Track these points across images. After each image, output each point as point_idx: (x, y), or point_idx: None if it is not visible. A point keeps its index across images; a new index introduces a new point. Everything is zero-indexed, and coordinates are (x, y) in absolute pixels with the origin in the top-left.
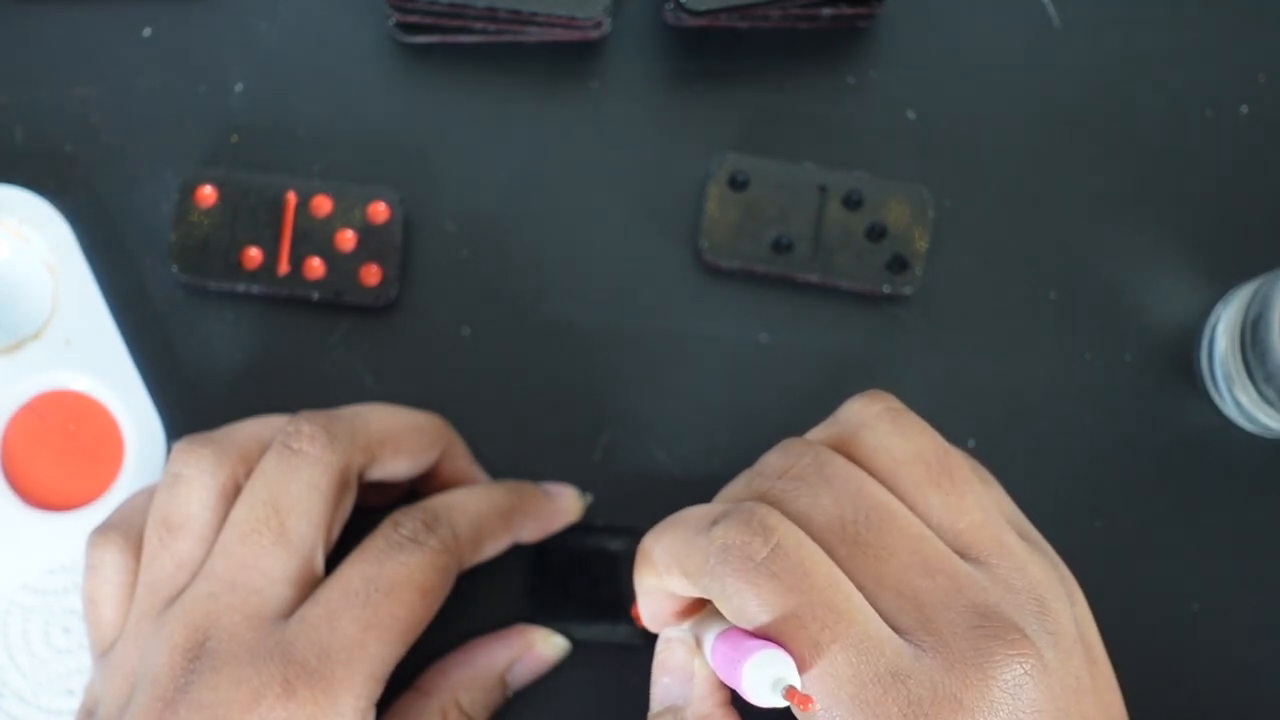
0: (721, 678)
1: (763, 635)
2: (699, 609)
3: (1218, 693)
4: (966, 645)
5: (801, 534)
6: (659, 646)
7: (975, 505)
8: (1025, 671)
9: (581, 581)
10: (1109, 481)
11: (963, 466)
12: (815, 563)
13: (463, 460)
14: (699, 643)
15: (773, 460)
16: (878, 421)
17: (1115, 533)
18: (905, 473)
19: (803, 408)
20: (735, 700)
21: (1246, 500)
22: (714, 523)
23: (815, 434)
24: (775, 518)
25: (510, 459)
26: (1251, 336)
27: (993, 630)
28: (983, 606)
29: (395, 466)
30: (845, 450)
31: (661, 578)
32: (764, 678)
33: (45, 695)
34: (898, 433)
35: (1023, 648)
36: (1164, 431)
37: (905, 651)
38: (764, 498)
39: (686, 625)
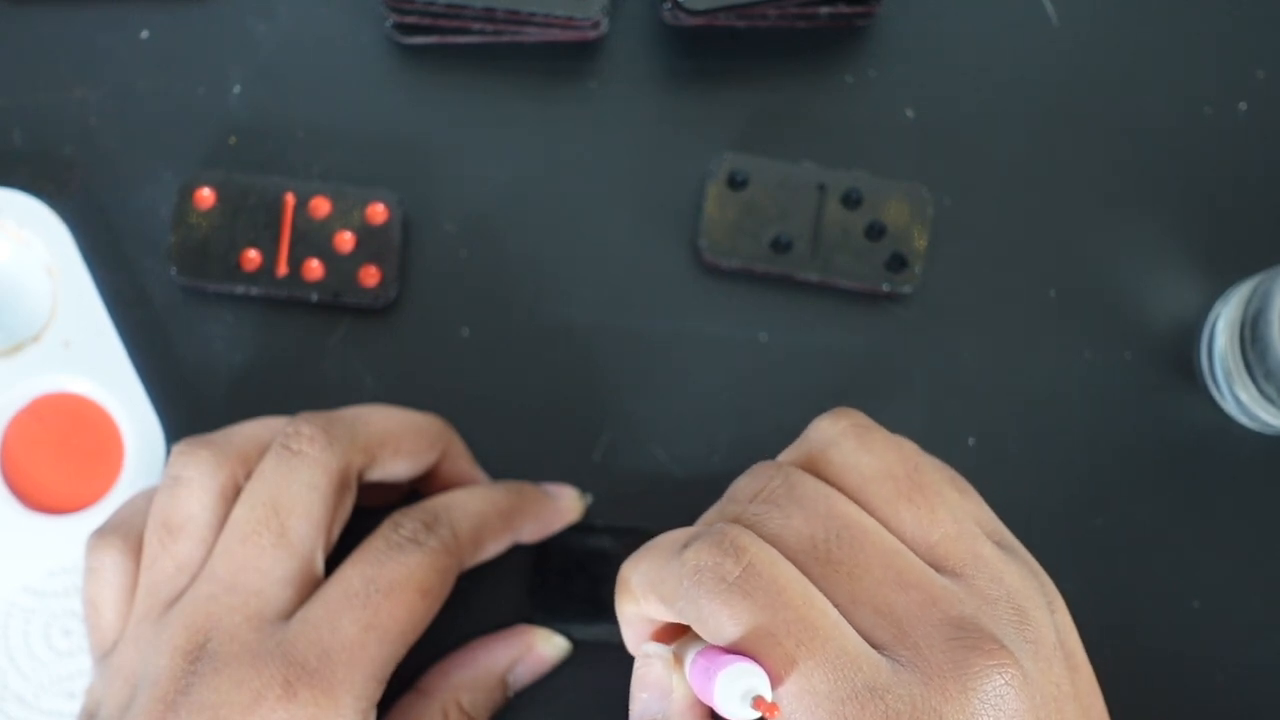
0: (699, 695)
1: (738, 653)
2: (681, 633)
3: (1218, 692)
4: (944, 658)
5: (774, 552)
6: (637, 662)
7: (948, 517)
8: (1005, 682)
9: (581, 581)
10: (1109, 480)
11: (935, 478)
12: (789, 580)
13: (463, 461)
14: (679, 660)
15: (743, 485)
16: (844, 439)
17: (1115, 531)
18: (874, 489)
19: (802, 407)
20: (714, 718)
21: (1247, 498)
22: (686, 546)
23: (785, 455)
24: (747, 537)
25: (510, 459)
26: (1251, 333)
27: (970, 642)
28: (959, 618)
29: (395, 467)
30: (815, 469)
31: (640, 604)
32: (735, 690)
33: (46, 698)
34: (865, 449)
35: (1001, 658)
36: (1164, 429)
37: (883, 666)
38: (736, 522)
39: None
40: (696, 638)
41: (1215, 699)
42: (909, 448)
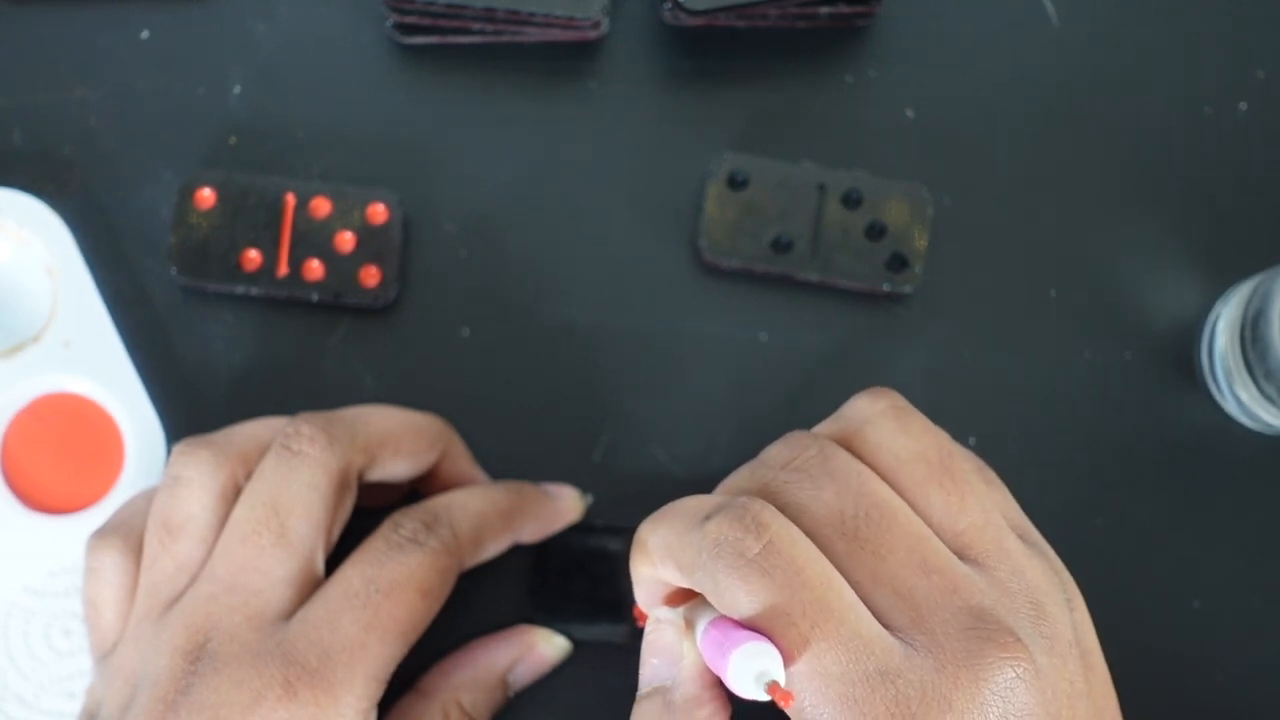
0: (710, 665)
1: (753, 629)
2: (693, 596)
3: (1218, 692)
4: (959, 646)
5: (795, 530)
6: (648, 628)
7: (976, 506)
8: (1017, 675)
9: (582, 582)
10: (1109, 479)
11: (965, 467)
12: (808, 560)
13: (463, 461)
14: (690, 625)
15: (776, 451)
16: (882, 419)
17: (1115, 531)
18: (907, 471)
19: (803, 407)
20: (722, 684)
21: (1247, 498)
22: (708, 517)
23: (820, 429)
24: (769, 513)
25: (510, 459)
26: (1252, 333)
27: (986, 632)
28: (978, 608)
29: (395, 467)
30: (849, 446)
31: (655, 568)
32: (749, 670)
33: (46, 698)
34: (901, 431)
35: (1016, 651)
36: (1164, 429)
37: (896, 650)
38: (766, 488)
39: (681, 608)
40: (708, 604)
41: (1215, 699)
42: (943, 435)
